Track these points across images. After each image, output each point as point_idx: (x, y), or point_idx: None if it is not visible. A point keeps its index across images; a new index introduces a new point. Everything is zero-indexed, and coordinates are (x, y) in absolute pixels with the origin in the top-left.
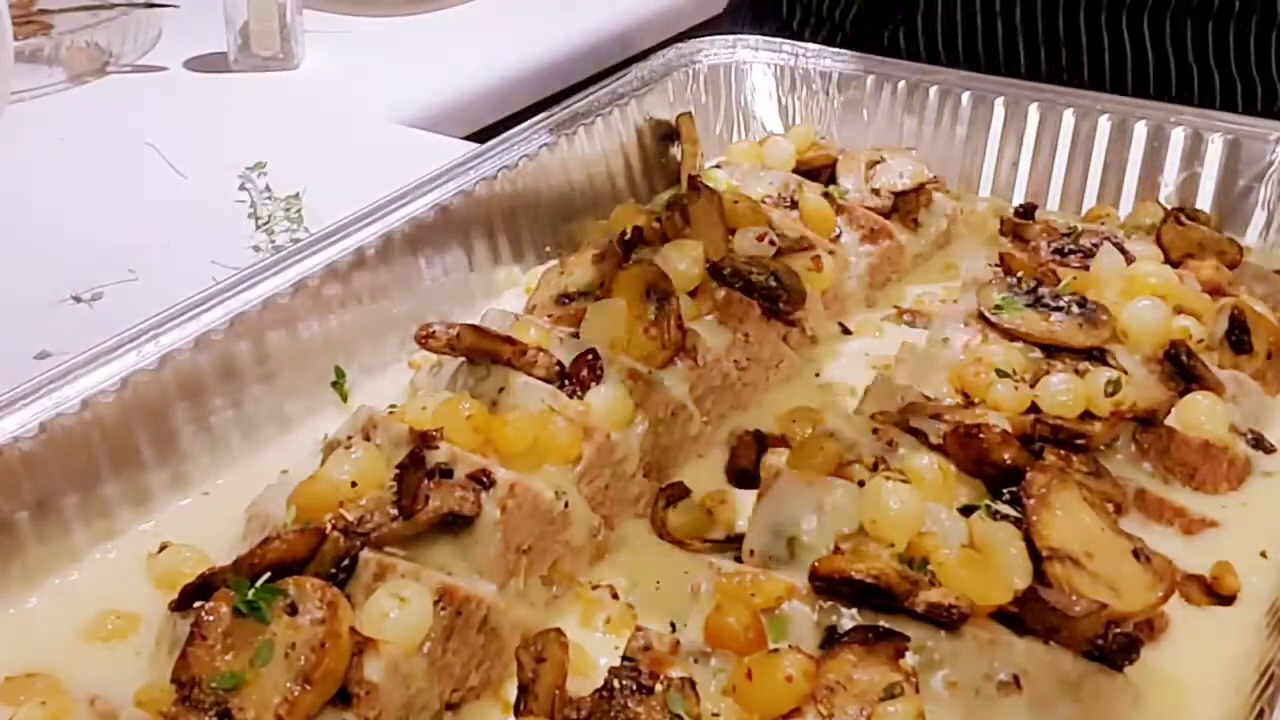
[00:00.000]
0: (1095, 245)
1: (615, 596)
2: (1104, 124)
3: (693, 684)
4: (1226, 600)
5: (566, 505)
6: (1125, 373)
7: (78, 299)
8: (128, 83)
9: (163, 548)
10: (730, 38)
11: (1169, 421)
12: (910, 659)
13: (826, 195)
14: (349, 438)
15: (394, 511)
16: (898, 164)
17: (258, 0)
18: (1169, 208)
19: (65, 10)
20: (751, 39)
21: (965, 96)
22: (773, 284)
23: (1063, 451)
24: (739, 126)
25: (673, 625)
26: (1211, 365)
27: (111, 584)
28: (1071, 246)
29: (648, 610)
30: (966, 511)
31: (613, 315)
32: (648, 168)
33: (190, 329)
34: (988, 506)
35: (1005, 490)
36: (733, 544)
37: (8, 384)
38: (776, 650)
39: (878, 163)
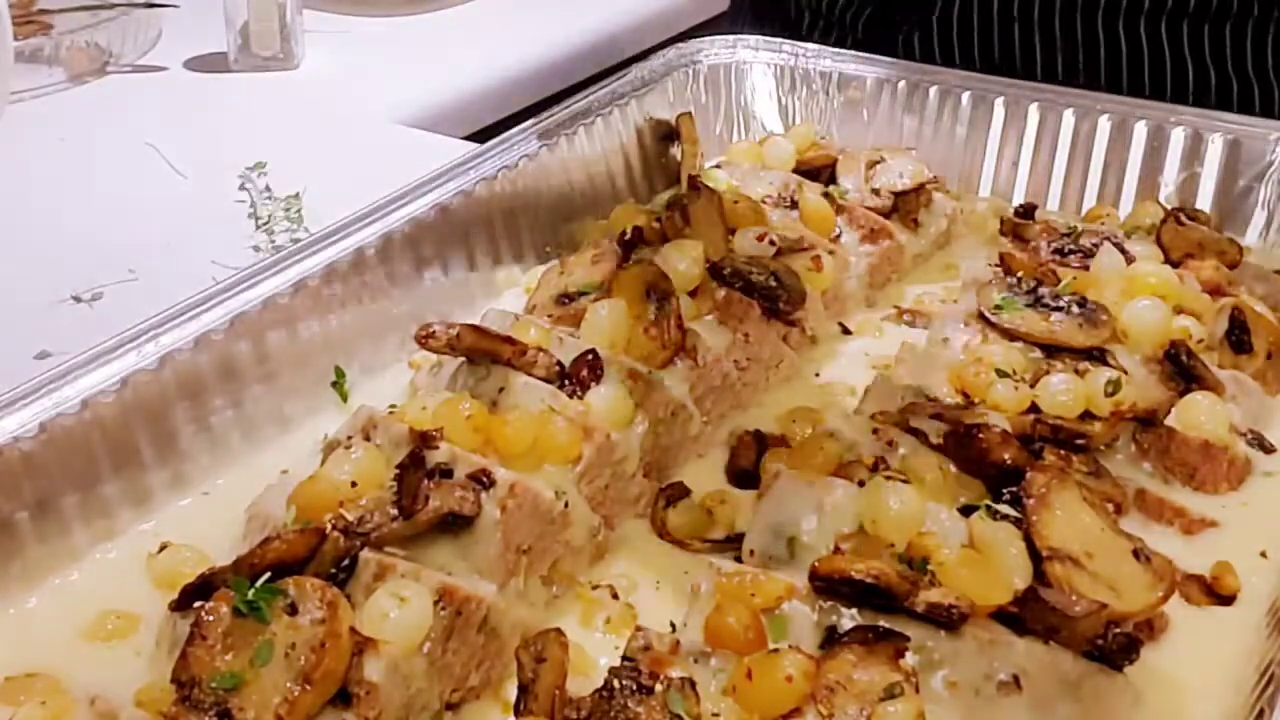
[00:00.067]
0: (1095, 245)
1: (615, 596)
2: (1104, 124)
3: (693, 684)
4: (1226, 600)
5: (566, 505)
6: (1125, 373)
7: (78, 299)
8: (128, 83)
9: (163, 548)
10: (730, 38)
11: (1169, 421)
12: (910, 659)
13: (826, 195)
14: (349, 438)
15: (394, 511)
16: (898, 164)
17: (258, 0)
18: (1169, 208)
19: (65, 10)
20: (751, 39)
21: (965, 96)
22: (773, 284)
23: (1063, 451)
24: (739, 126)
25: (673, 625)
26: (1211, 365)
27: (111, 584)
28: (1071, 246)
29: (648, 610)
30: (966, 511)
31: (613, 315)
32: (648, 168)
33: (190, 329)
34: (988, 506)
35: (1005, 490)
36: (733, 544)
37: (8, 384)
38: (776, 650)
39: (878, 163)
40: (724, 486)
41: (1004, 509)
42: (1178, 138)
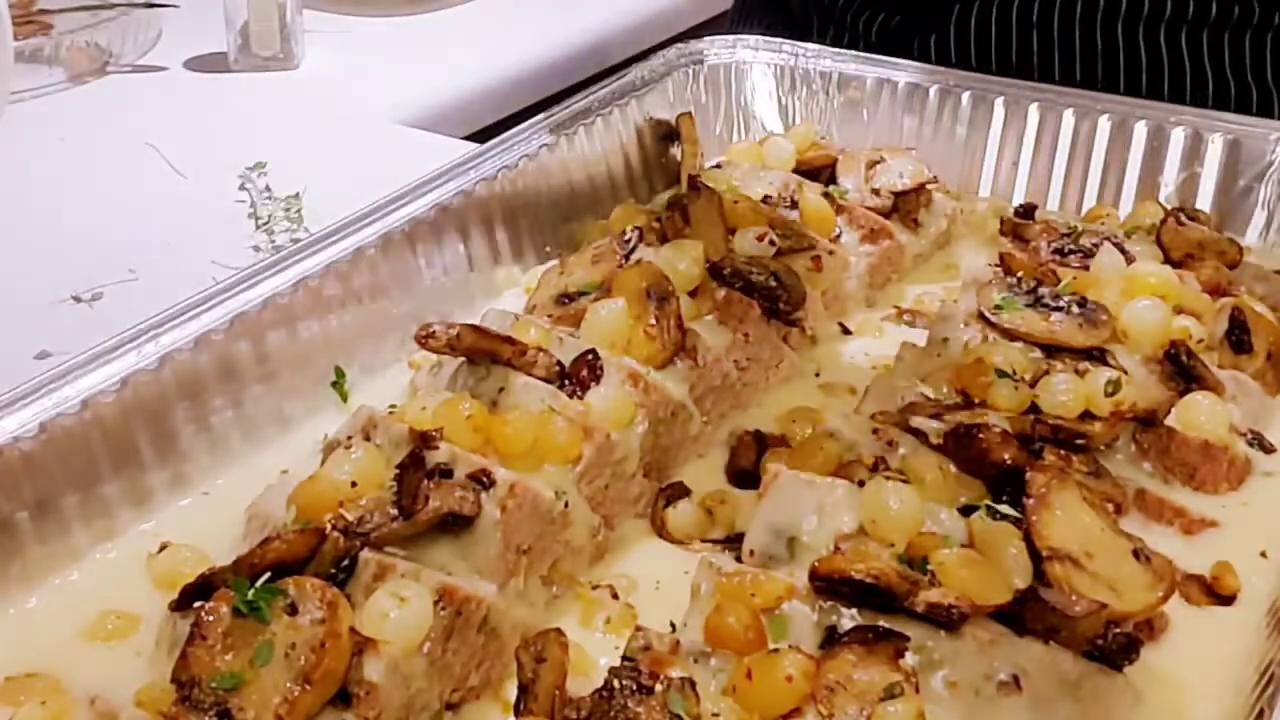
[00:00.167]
0: (1095, 245)
1: (615, 596)
2: (1104, 124)
3: (693, 684)
4: (1226, 600)
5: (566, 505)
6: (1125, 373)
7: (78, 299)
8: (128, 83)
9: (163, 548)
10: (730, 38)
11: (1169, 421)
12: (910, 659)
13: (826, 195)
14: (349, 438)
15: (394, 511)
16: (898, 164)
17: (258, 0)
18: (1169, 208)
19: (65, 10)
20: (751, 39)
21: (965, 96)
22: (773, 284)
23: (1063, 451)
24: (739, 126)
25: (673, 625)
26: (1211, 365)
27: (111, 584)
28: (1071, 246)
29: (648, 610)
30: (966, 511)
31: (613, 315)
32: (648, 168)
33: (190, 329)
34: (988, 506)
35: (1005, 490)
36: (733, 544)
37: (8, 384)
38: (776, 650)
39: (878, 163)
40: (724, 486)
41: (1004, 509)
42: (1178, 138)
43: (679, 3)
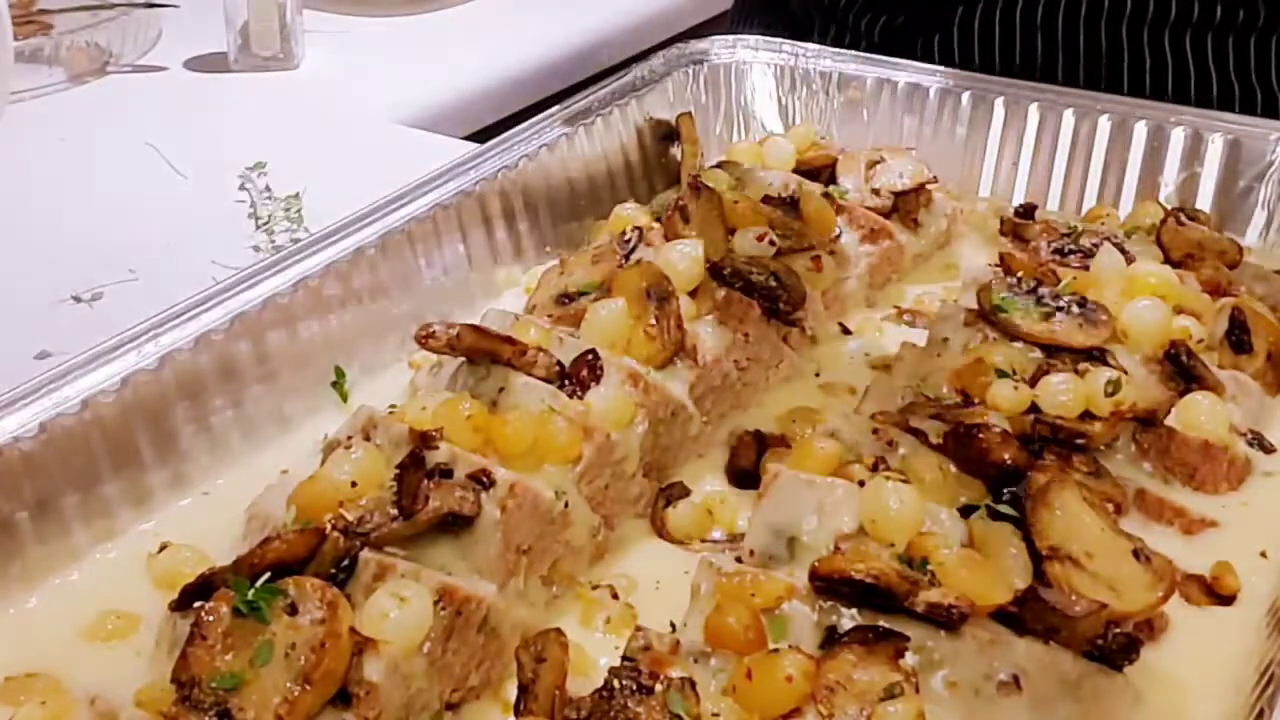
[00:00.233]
0: (1095, 245)
1: (615, 596)
2: (1104, 124)
3: (693, 684)
4: (1226, 600)
5: (566, 505)
6: (1125, 373)
7: (78, 299)
8: (128, 83)
9: (163, 548)
10: (730, 38)
11: (1169, 421)
12: (910, 659)
13: (826, 195)
14: (349, 438)
15: (394, 511)
16: (898, 164)
17: (258, 0)
18: (1169, 208)
19: (65, 10)
20: (751, 39)
21: (965, 96)
22: (773, 284)
23: (1063, 451)
24: (739, 126)
25: (673, 625)
26: (1211, 365)
27: (111, 584)
28: (1071, 246)
29: (648, 610)
30: (966, 511)
31: (613, 315)
32: (648, 168)
33: (190, 329)
34: (988, 506)
35: (1005, 490)
36: (733, 544)
37: (8, 384)
38: (776, 650)
39: (878, 163)
40: (724, 486)
41: (1004, 509)
42: (1178, 138)
43: (679, 3)
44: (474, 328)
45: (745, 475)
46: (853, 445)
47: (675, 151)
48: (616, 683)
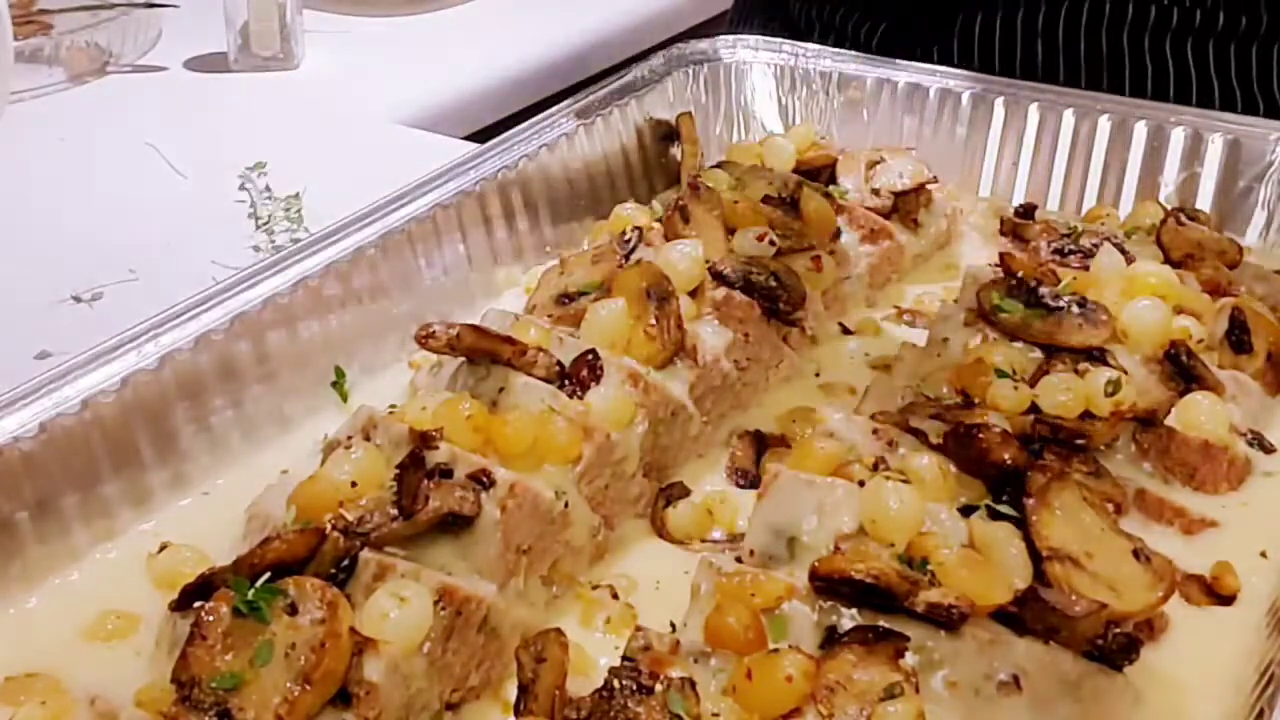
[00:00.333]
0: (1095, 245)
1: (615, 596)
2: (1104, 124)
3: (693, 684)
4: (1226, 600)
5: (566, 505)
6: (1125, 373)
7: (78, 299)
8: (128, 83)
9: (163, 548)
10: (730, 38)
11: (1169, 421)
12: (910, 659)
13: (826, 195)
14: (349, 438)
15: (394, 511)
16: (898, 164)
17: (258, 0)
18: (1169, 208)
19: (65, 10)
20: (751, 39)
21: (965, 96)
22: (773, 284)
23: (1063, 451)
24: (739, 126)
25: (673, 625)
26: (1211, 365)
27: (111, 584)
28: (1071, 246)
29: (648, 610)
30: (966, 511)
31: (613, 315)
32: (648, 168)
33: (190, 329)
34: (988, 506)
35: (1005, 490)
36: (733, 544)
37: (8, 384)
38: (776, 650)
39: (878, 163)
40: (724, 486)
41: (1004, 509)
42: (1178, 138)
43: (679, 3)
44: (474, 328)
45: (745, 475)
46: (852, 445)
47: (675, 151)
48: (616, 683)
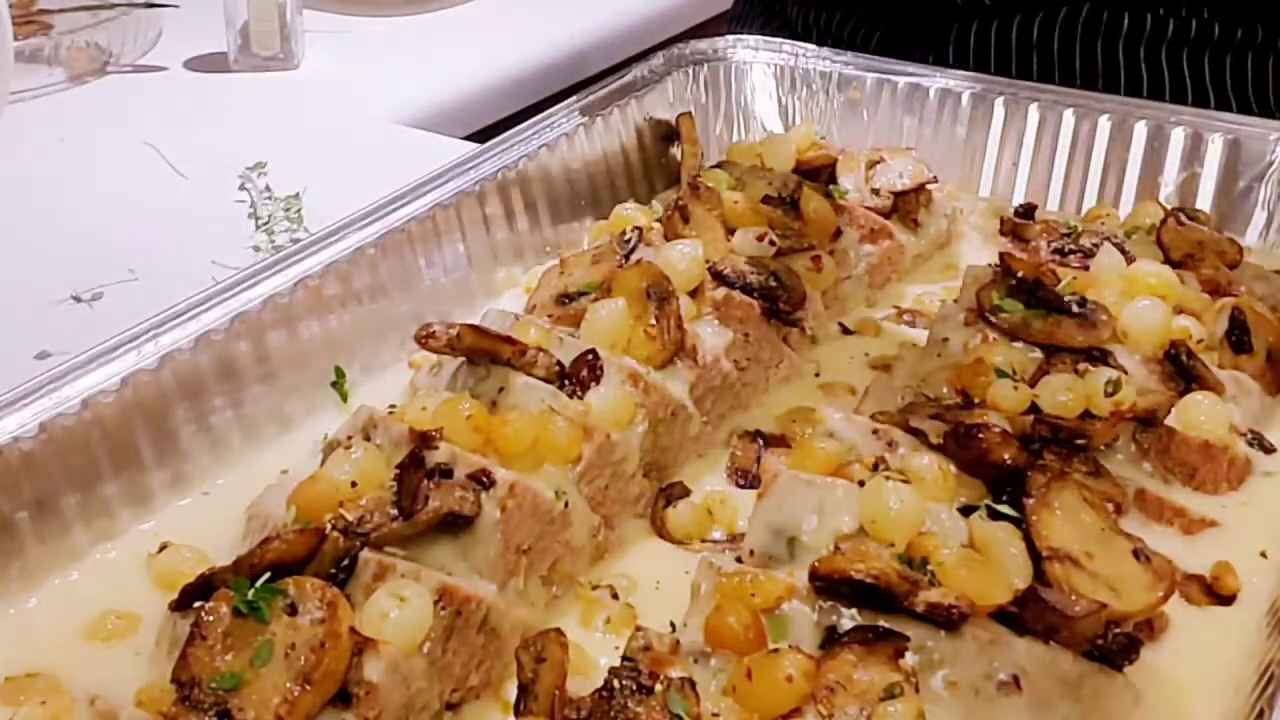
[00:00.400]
0: (1095, 245)
1: (615, 596)
2: (1104, 124)
3: (693, 684)
4: (1226, 600)
5: (566, 505)
6: (1125, 373)
7: (78, 299)
8: (128, 83)
9: (163, 548)
10: (730, 38)
11: (1169, 421)
12: (910, 659)
13: (827, 195)
14: (349, 438)
15: (394, 511)
16: (898, 164)
17: (258, 0)
18: (1169, 208)
19: (65, 10)
20: (751, 39)
21: (965, 96)
22: (773, 284)
23: (1063, 451)
24: (739, 126)
25: (673, 625)
26: (1211, 365)
27: (111, 584)
28: (1071, 246)
29: (648, 610)
30: (966, 511)
31: (613, 315)
32: (648, 168)
33: (190, 329)
34: (988, 506)
35: (1005, 490)
36: (733, 544)
37: (8, 384)
38: (776, 650)
39: (878, 163)
40: (724, 486)
41: (1004, 509)
42: (1178, 138)
43: (679, 3)
44: (474, 328)
45: (745, 475)
46: (852, 445)
47: (675, 151)
48: (616, 683)
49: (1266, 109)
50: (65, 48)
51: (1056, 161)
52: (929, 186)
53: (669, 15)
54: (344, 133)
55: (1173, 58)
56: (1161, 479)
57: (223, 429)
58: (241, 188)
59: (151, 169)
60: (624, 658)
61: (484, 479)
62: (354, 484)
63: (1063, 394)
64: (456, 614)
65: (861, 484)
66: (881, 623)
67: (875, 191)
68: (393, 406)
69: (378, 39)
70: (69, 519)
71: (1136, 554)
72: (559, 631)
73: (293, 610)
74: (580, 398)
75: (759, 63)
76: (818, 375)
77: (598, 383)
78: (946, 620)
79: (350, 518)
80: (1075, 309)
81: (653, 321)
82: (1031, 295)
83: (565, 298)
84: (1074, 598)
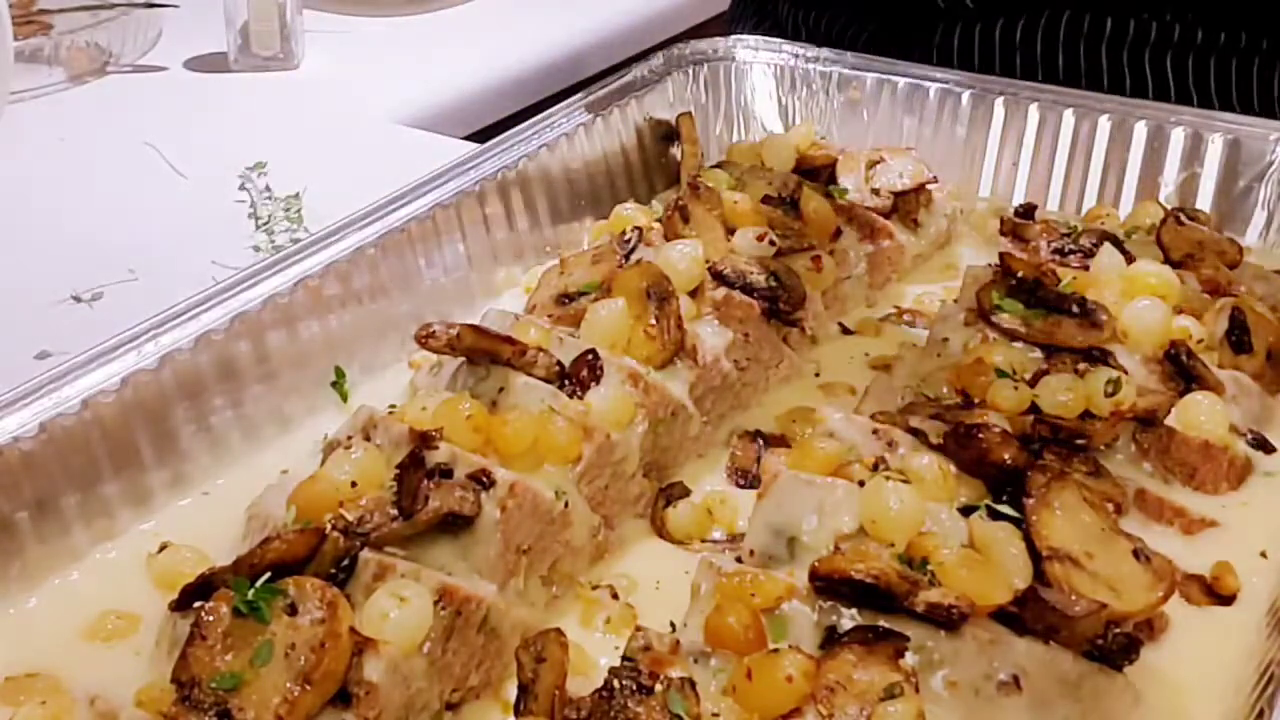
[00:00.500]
0: (1095, 245)
1: (615, 596)
2: (1104, 124)
3: (693, 684)
4: (1226, 600)
5: (566, 505)
6: (1125, 373)
7: (78, 299)
8: (128, 83)
9: (163, 548)
10: (730, 38)
11: (1169, 421)
12: (910, 659)
13: (827, 195)
14: (349, 438)
15: (394, 511)
16: (898, 164)
17: (258, 0)
18: (1169, 208)
19: (65, 10)
20: (751, 39)
21: (965, 96)
22: (773, 284)
23: (1063, 451)
24: (739, 126)
25: (673, 625)
26: (1211, 365)
27: (111, 584)
28: (1071, 246)
29: (648, 610)
30: (966, 511)
31: (613, 315)
32: (648, 168)
33: (190, 329)
34: (988, 506)
35: (1005, 490)
36: (733, 544)
37: (8, 384)
38: (776, 650)
39: (878, 163)
40: (724, 486)
41: (1004, 509)
42: (1178, 138)
43: (679, 3)
44: (474, 328)
45: (745, 475)
46: (852, 445)
47: (675, 151)
48: (616, 683)
49: (1251, 112)
50: (65, 48)
51: (1056, 161)
52: (929, 186)
53: (669, 15)
54: (344, 133)
55: (1156, 62)
56: (1161, 479)
57: (223, 429)
58: (241, 188)
59: (151, 169)
60: (624, 658)
61: (484, 479)
62: (354, 484)
63: (1063, 394)
64: (456, 614)
65: (861, 484)
66: (881, 623)
67: (875, 191)
68: (393, 406)
69: (378, 39)
70: (69, 519)
71: (1136, 554)
72: (559, 631)
73: (293, 610)
74: (580, 398)
75: (759, 63)
76: (818, 375)
77: (598, 383)
78: (946, 620)
79: (350, 518)
80: (1075, 309)
81: (653, 321)
82: (1031, 295)
83: (565, 298)
84: (1074, 598)
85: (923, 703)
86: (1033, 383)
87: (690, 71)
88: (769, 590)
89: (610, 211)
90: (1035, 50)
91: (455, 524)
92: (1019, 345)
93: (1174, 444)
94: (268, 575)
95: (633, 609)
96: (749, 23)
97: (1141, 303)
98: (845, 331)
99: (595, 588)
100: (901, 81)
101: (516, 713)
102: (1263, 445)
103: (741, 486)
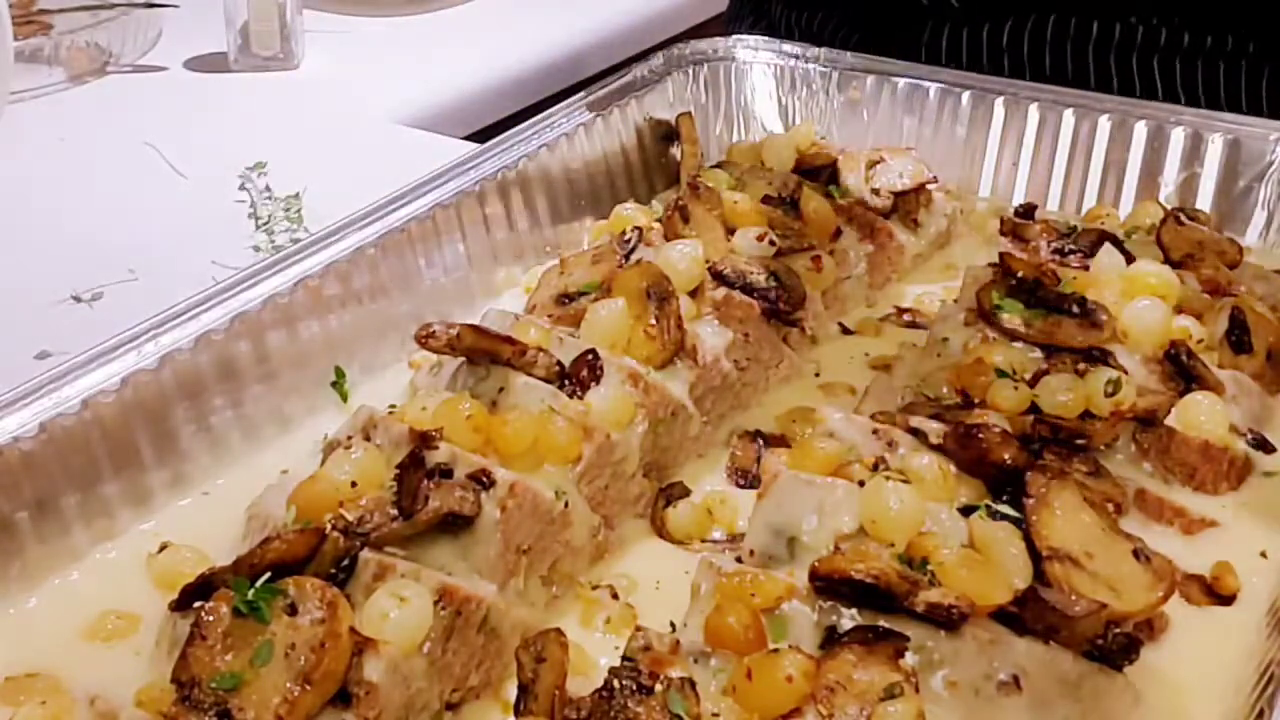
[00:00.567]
0: (1095, 245)
1: (615, 596)
2: (1104, 124)
3: (693, 684)
4: (1226, 600)
5: (566, 505)
6: (1125, 373)
7: (78, 299)
8: (128, 83)
9: (163, 548)
10: (730, 38)
11: (1169, 421)
12: (910, 659)
13: (827, 195)
14: (349, 438)
15: (394, 511)
16: (898, 164)
17: (258, 0)
18: (1169, 208)
19: (65, 10)
20: (751, 39)
21: (965, 96)
22: (773, 284)
23: (1063, 451)
24: (739, 126)
25: (673, 625)
26: (1211, 365)
27: (111, 584)
28: (1071, 246)
29: (648, 610)
30: (966, 511)
31: (613, 315)
32: (648, 168)
33: (190, 329)
34: (988, 506)
35: (1005, 490)
36: (733, 544)
37: (8, 384)
38: (776, 650)
39: (878, 163)
40: (724, 486)
41: (1004, 509)
42: (1178, 138)
43: (679, 3)
44: (474, 328)
45: (745, 475)
46: (852, 445)
47: (675, 151)
48: (616, 683)
49: (1258, 111)
50: (65, 48)
51: (1056, 161)
52: (929, 186)
53: (669, 15)
54: (344, 133)
55: (1143, 65)
56: (1161, 479)
57: (223, 429)
58: (241, 188)
59: (151, 169)
60: (624, 658)
61: (484, 479)
62: (354, 484)
63: (1063, 394)
64: (456, 614)
65: (861, 484)
66: (881, 623)
67: (875, 191)
68: (393, 406)
69: (378, 39)
70: (69, 519)
71: (1136, 554)
72: (559, 631)
73: (293, 610)
74: (580, 398)
75: (759, 63)
76: (818, 375)
77: (598, 383)
78: (946, 620)
79: (350, 518)
80: (1075, 309)
81: (653, 321)
82: (1031, 295)
83: (565, 298)
84: (1074, 598)
85: (923, 703)
86: (1033, 383)
87: (690, 71)
88: (769, 590)
89: (610, 211)
90: (1022, 53)
91: (455, 524)
92: (1019, 345)
93: (1174, 444)
94: (268, 575)
95: (633, 609)
96: (745, 23)
97: (1141, 303)
98: (845, 331)
99: (595, 588)
100: (901, 81)
101: (516, 713)
102: (1263, 445)
103: (741, 486)
